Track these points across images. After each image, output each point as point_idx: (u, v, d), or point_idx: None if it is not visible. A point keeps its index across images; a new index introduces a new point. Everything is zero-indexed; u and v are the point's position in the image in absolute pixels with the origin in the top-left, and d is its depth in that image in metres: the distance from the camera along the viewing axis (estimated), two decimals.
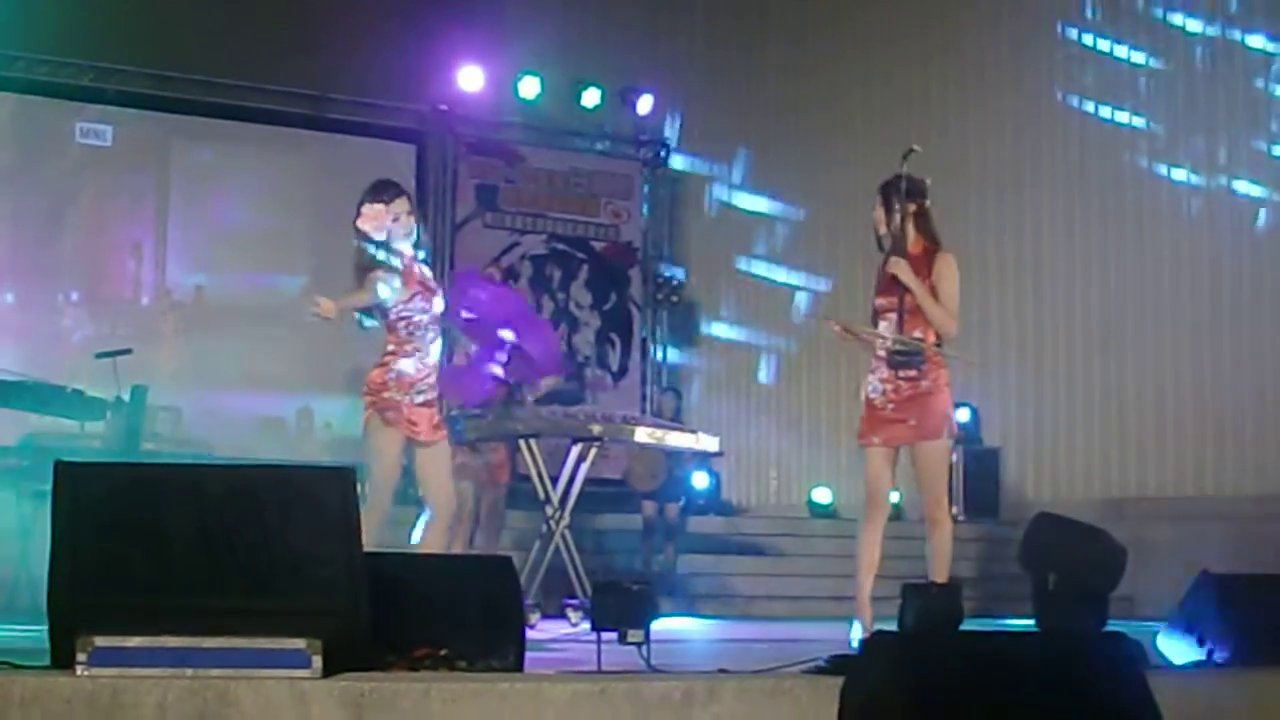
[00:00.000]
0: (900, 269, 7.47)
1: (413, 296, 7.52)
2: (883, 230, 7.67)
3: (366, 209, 7.55)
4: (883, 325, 7.62)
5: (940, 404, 7.54)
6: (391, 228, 7.53)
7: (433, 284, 7.71)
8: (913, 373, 7.50)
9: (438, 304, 7.68)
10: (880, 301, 7.65)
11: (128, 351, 11.77)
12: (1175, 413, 14.43)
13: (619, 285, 18.34)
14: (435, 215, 17.18)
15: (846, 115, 17.25)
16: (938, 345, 7.54)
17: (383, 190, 7.65)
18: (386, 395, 7.44)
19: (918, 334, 7.51)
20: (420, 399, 7.52)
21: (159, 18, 15.64)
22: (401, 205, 7.60)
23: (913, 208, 7.59)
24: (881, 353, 7.59)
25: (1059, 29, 15.69)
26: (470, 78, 17.08)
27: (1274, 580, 6.74)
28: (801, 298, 17.78)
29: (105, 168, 15.88)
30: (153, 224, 16.23)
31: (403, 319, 7.50)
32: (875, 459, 7.58)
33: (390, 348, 7.51)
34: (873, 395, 7.61)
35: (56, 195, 15.58)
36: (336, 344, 16.22)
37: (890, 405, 7.54)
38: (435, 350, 7.65)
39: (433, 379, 7.60)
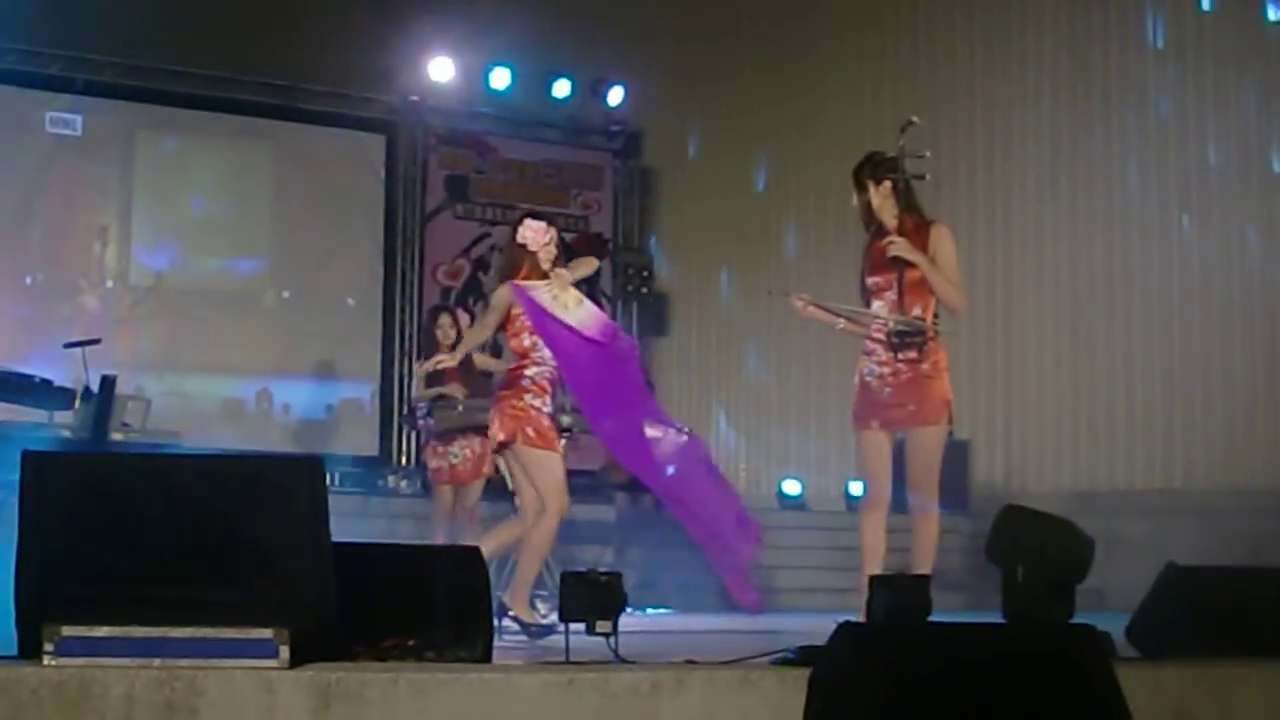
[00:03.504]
0: (901, 247, 7.29)
1: None
2: (866, 215, 7.57)
3: (531, 222, 8.37)
4: (876, 305, 7.45)
5: (940, 388, 7.40)
6: (544, 248, 8.27)
7: None
8: (913, 354, 7.33)
9: None
10: (875, 280, 7.46)
11: (96, 341, 11.74)
12: (1145, 405, 14.47)
13: (589, 277, 18.30)
14: (405, 206, 17.18)
15: (820, 103, 17.24)
16: (935, 324, 7.43)
17: (545, 215, 8.58)
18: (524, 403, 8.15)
19: (917, 311, 7.35)
20: (540, 402, 8.21)
21: (129, 6, 15.55)
22: (554, 234, 8.39)
23: (887, 184, 7.45)
24: (879, 334, 7.41)
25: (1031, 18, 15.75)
26: (441, 68, 17.05)
27: (1238, 572, 6.78)
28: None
29: (74, 157, 15.79)
30: (119, 212, 16.15)
31: (526, 329, 8.23)
32: (874, 443, 7.43)
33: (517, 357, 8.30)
34: (869, 378, 7.43)
35: (25, 184, 15.50)
36: (295, 329, 16.29)
37: (888, 389, 7.38)
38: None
39: None
